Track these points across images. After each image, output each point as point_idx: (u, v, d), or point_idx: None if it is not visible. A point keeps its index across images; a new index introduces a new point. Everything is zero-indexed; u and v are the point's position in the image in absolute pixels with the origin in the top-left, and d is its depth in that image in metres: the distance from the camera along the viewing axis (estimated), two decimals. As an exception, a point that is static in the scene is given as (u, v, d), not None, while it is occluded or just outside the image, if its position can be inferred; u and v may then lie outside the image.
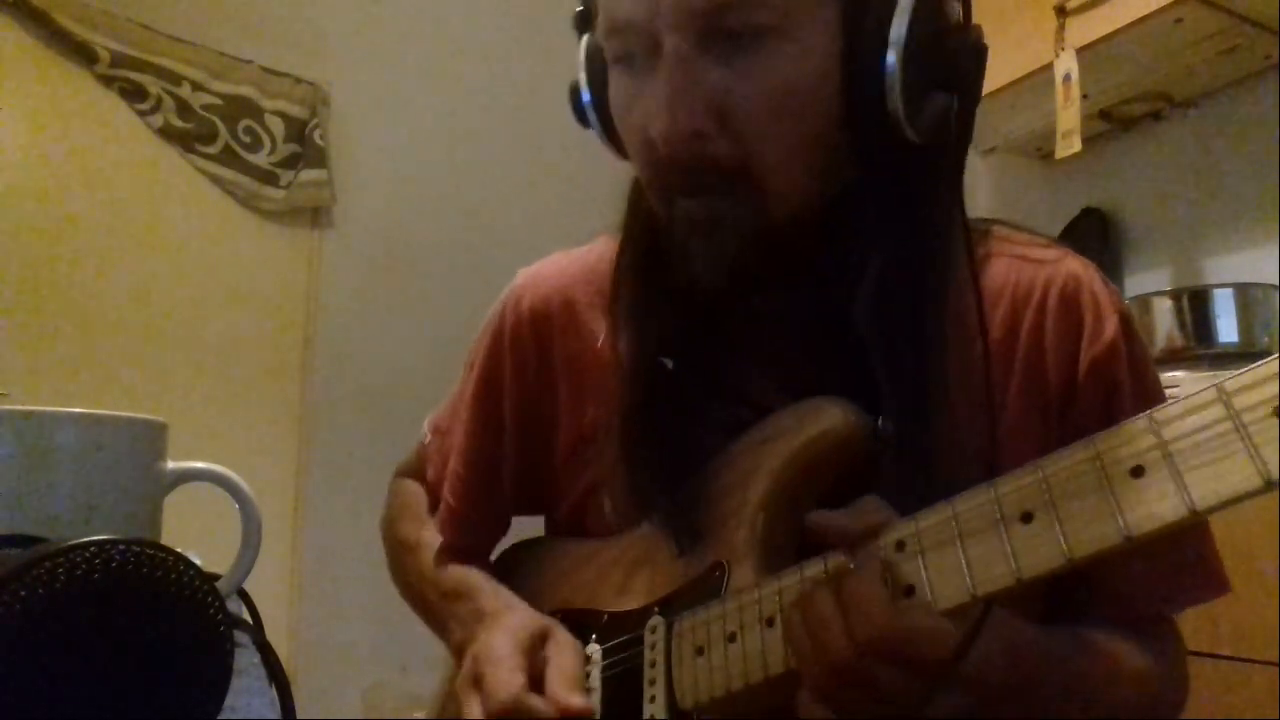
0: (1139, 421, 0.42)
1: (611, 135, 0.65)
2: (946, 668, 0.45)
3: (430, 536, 0.79)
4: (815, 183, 0.58)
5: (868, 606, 0.46)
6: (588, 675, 0.62)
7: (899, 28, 0.54)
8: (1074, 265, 0.64)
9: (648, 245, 0.65)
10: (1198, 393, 0.40)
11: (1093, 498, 0.42)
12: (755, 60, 0.54)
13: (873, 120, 0.55)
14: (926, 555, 0.47)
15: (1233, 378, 0.39)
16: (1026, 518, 0.44)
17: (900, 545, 0.49)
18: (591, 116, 0.66)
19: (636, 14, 0.55)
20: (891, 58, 0.54)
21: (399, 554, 0.82)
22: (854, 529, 0.50)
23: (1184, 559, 0.62)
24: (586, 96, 0.65)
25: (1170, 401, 0.41)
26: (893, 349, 0.57)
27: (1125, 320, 0.63)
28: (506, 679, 0.57)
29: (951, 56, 0.56)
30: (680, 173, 0.57)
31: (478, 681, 0.59)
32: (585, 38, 0.65)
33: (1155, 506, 0.40)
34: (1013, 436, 0.60)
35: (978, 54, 0.57)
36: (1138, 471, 0.41)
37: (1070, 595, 0.61)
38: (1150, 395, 0.62)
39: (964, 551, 0.46)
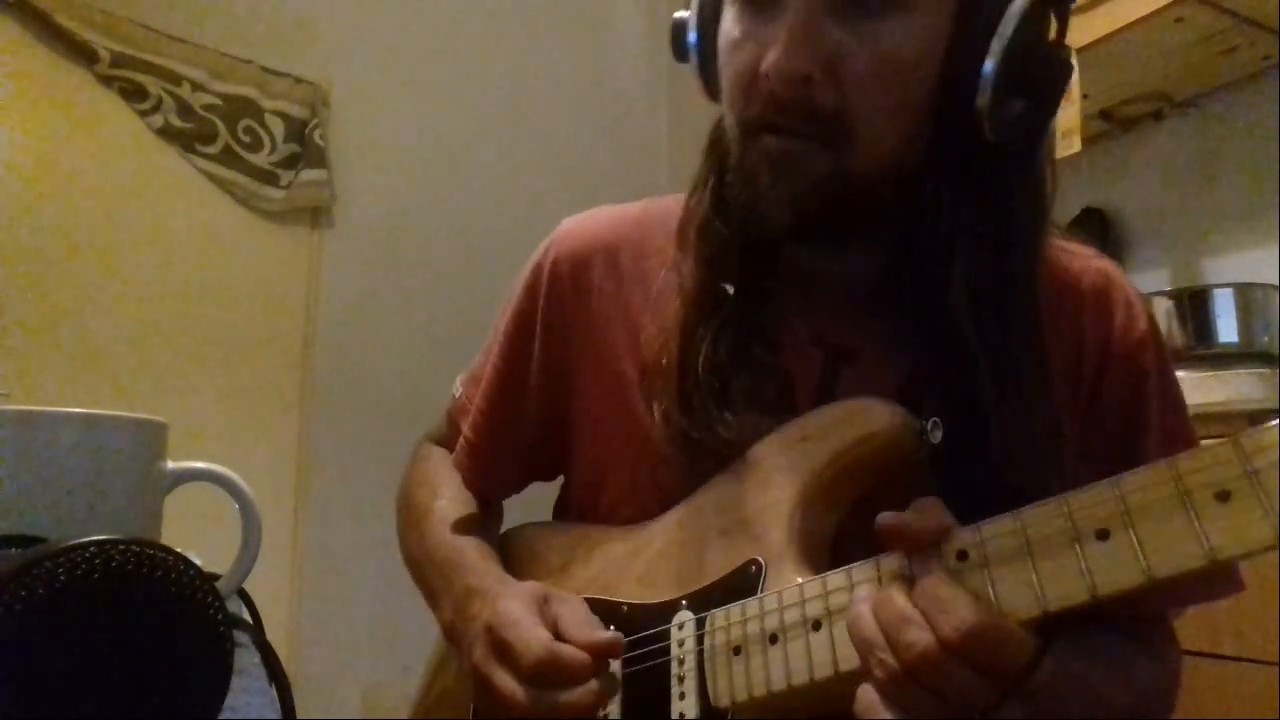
0: (1224, 447, 0.42)
1: (705, 75, 0.68)
2: (1023, 677, 0.45)
3: (442, 508, 0.77)
4: (896, 151, 0.61)
5: (951, 605, 0.45)
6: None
7: (1003, 35, 0.57)
8: (1104, 263, 0.69)
9: (721, 189, 0.67)
10: None
11: (1175, 519, 0.42)
12: (874, 27, 0.58)
13: (958, 112, 0.59)
14: (992, 567, 0.47)
15: None
16: (1103, 535, 0.44)
17: (963, 554, 0.48)
18: (692, 55, 0.68)
19: None
20: (990, 65, 0.58)
21: (408, 520, 0.81)
22: (924, 532, 0.50)
23: None
24: (694, 37, 0.68)
25: (1260, 428, 0.42)
26: (979, 340, 0.60)
27: (1152, 320, 0.67)
28: (534, 635, 0.56)
29: (1042, 69, 0.60)
30: (777, 109, 0.59)
31: (502, 650, 0.58)
32: None
33: (1243, 532, 0.41)
34: None
35: (1065, 72, 0.61)
36: (1223, 496, 0.41)
37: None
38: (1173, 393, 0.67)
39: (1034, 565, 0.46)
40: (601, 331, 0.72)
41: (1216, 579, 0.63)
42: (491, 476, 0.79)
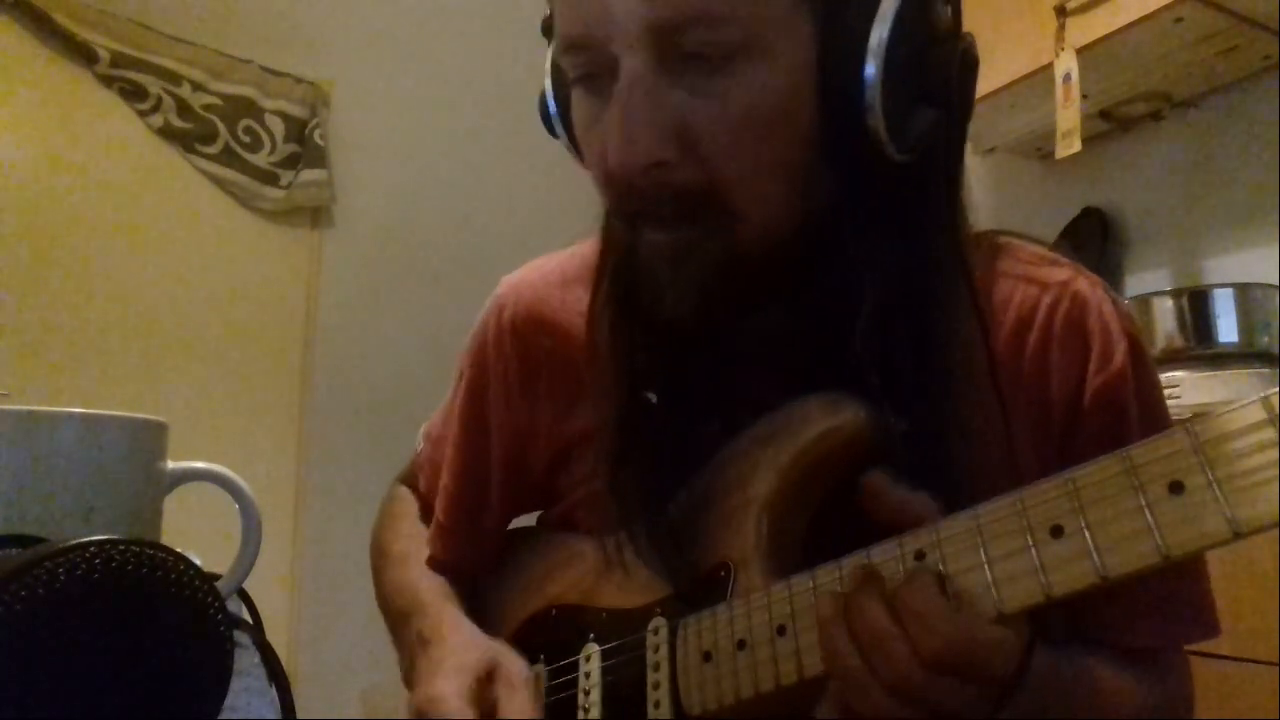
0: (1177, 435, 0.39)
1: (579, 147, 0.61)
2: (1012, 681, 0.44)
3: (400, 549, 0.78)
4: (790, 207, 0.54)
5: (932, 618, 0.43)
6: (578, 679, 0.62)
7: (879, 34, 0.49)
8: (1081, 286, 0.61)
9: (623, 276, 0.61)
10: (1243, 405, 0.38)
11: (1127, 513, 0.40)
12: (721, 82, 0.50)
13: (850, 138, 0.51)
14: (949, 567, 0.45)
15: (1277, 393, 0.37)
16: (1056, 531, 0.42)
17: (920, 554, 0.47)
18: (558, 128, 0.62)
19: (592, 32, 0.51)
20: (871, 69, 0.49)
21: (375, 562, 0.82)
22: (910, 509, 0.48)
23: (1176, 596, 0.60)
24: (553, 107, 0.62)
25: (1212, 414, 0.39)
26: (897, 384, 0.55)
27: (1134, 345, 0.60)
28: None
29: (939, 68, 0.52)
30: (642, 202, 0.53)
31: None
32: (552, 46, 0.61)
33: (1195, 526, 0.38)
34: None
35: (968, 65, 0.53)
36: (1176, 488, 0.39)
37: (1057, 619, 0.59)
38: (1158, 424, 0.60)
39: (989, 566, 0.44)
40: (550, 397, 0.71)
41: (1192, 623, 0.61)
42: (469, 555, 0.77)
